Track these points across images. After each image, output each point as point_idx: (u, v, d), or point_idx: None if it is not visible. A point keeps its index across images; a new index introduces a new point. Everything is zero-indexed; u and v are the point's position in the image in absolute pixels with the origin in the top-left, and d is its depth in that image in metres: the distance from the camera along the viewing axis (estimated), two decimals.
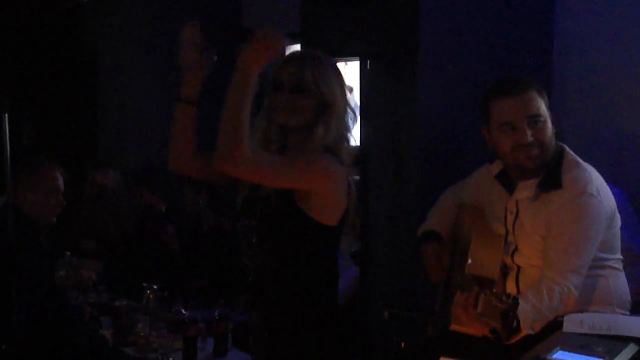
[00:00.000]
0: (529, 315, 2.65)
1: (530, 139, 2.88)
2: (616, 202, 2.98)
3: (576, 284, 2.77)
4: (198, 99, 2.80)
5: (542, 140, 2.89)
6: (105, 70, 6.14)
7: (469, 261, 2.90)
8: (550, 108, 2.95)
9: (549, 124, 2.91)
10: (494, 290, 2.67)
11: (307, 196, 2.69)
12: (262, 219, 2.76)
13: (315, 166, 2.67)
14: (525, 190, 2.97)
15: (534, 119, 2.88)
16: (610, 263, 2.97)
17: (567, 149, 3.00)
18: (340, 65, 5.00)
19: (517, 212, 3.00)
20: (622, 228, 3.03)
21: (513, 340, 2.70)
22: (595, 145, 3.87)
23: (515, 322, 2.58)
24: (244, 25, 2.62)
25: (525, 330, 2.67)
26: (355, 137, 4.41)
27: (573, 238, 2.81)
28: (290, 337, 2.77)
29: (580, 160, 2.97)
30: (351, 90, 5.08)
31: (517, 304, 2.55)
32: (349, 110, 2.80)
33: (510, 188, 3.04)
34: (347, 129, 2.79)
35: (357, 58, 3.81)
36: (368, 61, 3.83)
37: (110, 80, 6.13)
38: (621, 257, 3.02)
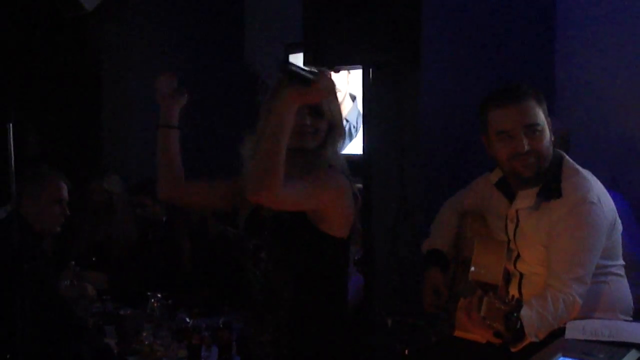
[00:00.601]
0: (534, 322, 2.65)
1: (526, 147, 2.88)
2: (617, 208, 2.99)
3: (581, 293, 2.77)
4: (179, 124, 2.86)
5: (539, 149, 2.89)
6: (109, 80, 6.16)
7: (472, 268, 2.91)
8: (554, 114, 2.95)
9: (547, 133, 2.92)
10: (498, 294, 2.68)
11: (319, 211, 2.72)
12: (274, 237, 2.78)
13: (330, 186, 2.75)
14: (526, 199, 2.97)
15: (531, 128, 2.88)
16: (612, 270, 2.98)
17: (566, 156, 3.01)
18: (344, 74, 5.03)
19: (518, 221, 3.00)
20: (623, 234, 3.03)
21: (518, 348, 2.70)
22: (596, 149, 3.88)
23: (519, 323, 2.58)
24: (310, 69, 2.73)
25: (530, 338, 2.67)
26: (358, 146, 4.44)
27: (576, 247, 2.81)
28: (305, 353, 2.79)
29: (580, 168, 2.97)
30: (354, 98, 5.12)
31: (521, 305, 2.55)
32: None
33: (510, 196, 3.05)
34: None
35: (360, 67, 3.82)
36: (371, 70, 3.84)
37: (114, 89, 6.15)
38: (623, 263, 3.02)
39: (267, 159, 2.55)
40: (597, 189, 2.91)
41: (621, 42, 3.86)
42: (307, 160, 2.81)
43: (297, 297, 2.79)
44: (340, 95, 5.08)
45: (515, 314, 2.57)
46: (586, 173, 2.96)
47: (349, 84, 5.06)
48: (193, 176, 2.90)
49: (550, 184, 2.92)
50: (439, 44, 3.83)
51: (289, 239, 2.78)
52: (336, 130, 2.83)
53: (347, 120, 5.12)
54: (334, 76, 5.04)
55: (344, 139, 2.89)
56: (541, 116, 2.90)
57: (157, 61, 6.07)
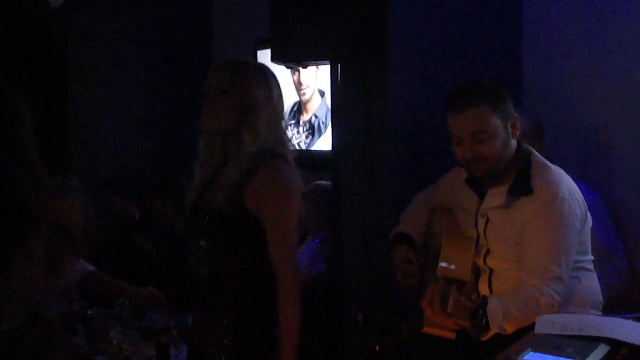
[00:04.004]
0: (498, 315, 2.66)
1: (471, 155, 2.90)
2: (587, 200, 3.00)
3: (559, 291, 2.78)
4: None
5: (486, 156, 2.89)
6: (75, 76, 6.10)
7: (441, 263, 2.91)
8: (522, 106, 2.95)
9: (500, 137, 2.90)
10: (465, 291, 2.68)
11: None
12: (213, 224, 2.80)
13: (289, 194, 2.79)
14: (496, 197, 2.97)
15: (477, 136, 2.88)
16: (583, 264, 2.99)
17: (535, 152, 3.00)
18: (312, 69, 5.02)
19: (488, 217, 3.00)
20: (595, 226, 3.04)
21: (483, 339, 2.70)
22: (565, 141, 3.89)
23: (484, 320, 2.59)
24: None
25: (494, 329, 2.67)
26: (327, 142, 4.43)
27: (552, 245, 2.82)
28: (255, 339, 2.79)
29: (548, 163, 2.98)
30: (323, 94, 5.11)
31: (486, 302, 2.56)
32: (278, 111, 2.88)
33: (479, 192, 3.05)
34: (283, 131, 2.90)
35: (328, 62, 3.81)
36: (339, 65, 3.82)
37: (80, 86, 6.09)
38: (592, 257, 3.03)
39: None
40: (568, 184, 2.91)
41: (589, 33, 3.88)
42: (231, 148, 2.86)
43: (240, 281, 2.81)
44: (309, 92, 5.09)
45: (481, 311, 2.58)
46: (555, 168, 2.97)
47: (317, 80, 5.05)
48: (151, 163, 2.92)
49: (519, 181, 2.92)
50: (407, 39, 3.82)
51: (226, 227, 2.79)
52: (252, 111, 2.82)
53: (316, 116, 5.11)
54: (303, 72, 5.05)
55: (274, 121, 2.86)
56: (493, 122, 2.88)
57: (124, 56, 6.02)
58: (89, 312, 4.28)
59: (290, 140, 2.94)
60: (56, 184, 4.28)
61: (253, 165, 2.79)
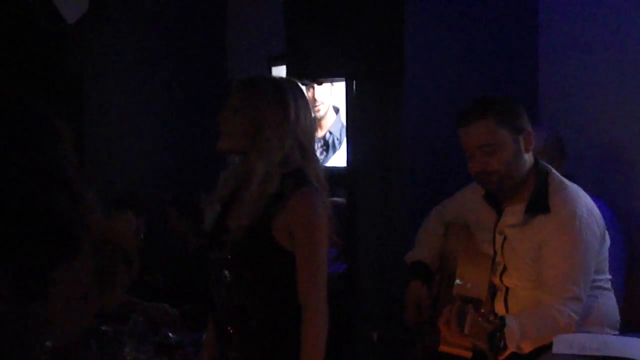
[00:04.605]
0: (516, 334, 2.64)
1: (480, 168, 2.89)
2: (606, 221, 2.98)
3: (577, 311, 2.77)
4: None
5: (496, 169, 2.88)
6: (91, 93, 6.12)
7: (457, 281, 2.89)
8: (538, 122, 2.92)
9: (510, 150, 2.89)
10: (482, 310, 2.66)
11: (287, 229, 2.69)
12: (236, 253, 2.73)
13: (321, 226, 2.70)
14: (513, 215, 2.95)
15: (484, 149, 2.88)
16: (600, 283, 2.96)
17: (552, 170, 2.98)
18: (327, 86, 5.01)
19: (505, 235, 2.98)
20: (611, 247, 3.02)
21: (503, 357, 2.68)
22: (581, 156, 3.86)
23: (502, 342, 2.57)
24: None
25: (512, 348, 2.65)
26: (341, 158, 4.41)
27: (570, 265, 2.80)
28: None
29: (566, 181, 2.95)
30: (337, 110, 5.10)
31: (504, 324, 2.53)
32: (298, 129, 2.74)
33: (497, 208, 3.03)
34: (304, 149, 2.75)
35: (343, 79, 3.81)
36: (354, 82, 3.82)
37: (96, 103, 6.11)
38: (610, 276, 3.00)
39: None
40: (586, 203, 2.89)
41: (606, 47, 3.85)
42: (251, 168, 2.75)
43: (264, 313, 2.72)
44: (323, 108, 5.08)
45: (498, 333, 2.56)
46: (573, 186, 2.95)
47: (331, 96, 5.05)
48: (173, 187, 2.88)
49: (537, 200, 2.90)
50: (422, 55, 3.81)
51: (252, 259, 2.71)
52: (261, 129, 2.71)
53: (330, 133, 5.10)
54: (317, 88, 5.05)
55: (290, 139, 2.71)
56: (500, 134, 2.88)
57: (139, 74, 6.03)
58: (103, 327, 4.27)
59: (316, 155, 2.83)
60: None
61: (279, 192, 2.69)
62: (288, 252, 2.69)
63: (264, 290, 2.72)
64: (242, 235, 2.70)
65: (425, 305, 3.11)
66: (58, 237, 1.91)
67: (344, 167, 4.25)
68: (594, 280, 2.90)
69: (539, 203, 2.89)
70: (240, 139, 2.74)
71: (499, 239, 2.99)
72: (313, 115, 2.85)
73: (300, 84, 2.89)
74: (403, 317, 3.39)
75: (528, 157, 2.94)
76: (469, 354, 2.83)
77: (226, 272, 2.74)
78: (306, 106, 2.80)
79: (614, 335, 2.92)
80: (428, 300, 3.11)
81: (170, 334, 4.03)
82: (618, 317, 3.02)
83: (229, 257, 2.73)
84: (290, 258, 2.69)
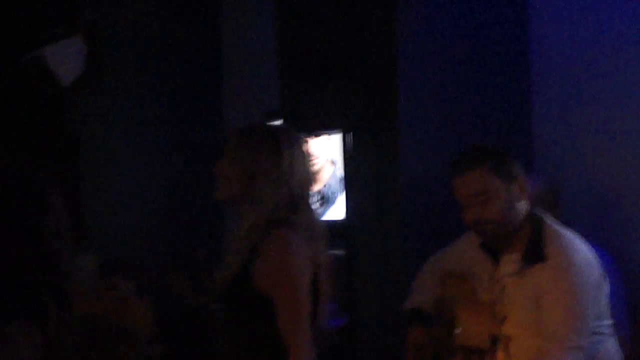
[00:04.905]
0: None
1: (474, 217, 2.89)
2: (605, 268, 2.97)
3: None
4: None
5: (490, 218, 2.88)
6: (87, 156, 6.13)
7: (458, 330, 2.87)
8: (533, 169, 2.93)
9: (503, 199, 2.89)
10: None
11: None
12: (224, 304, 2.74)
13: (297, 264, 2.65)
14: (510, 264, 2.94)
15: (478, 198, 2.88)
16: (601, 329, 2.93)
17: (547, 218, 2.99)
18: (322, 139, 5.03)
19: (503, 284, 2.97)
20: (611, 294, 3.01)
21: None
22: (578, 202, 3.87)
23: None
24: None
25: None
26: (338, 211, 4.41)
27: (569, 315, 2.78)
28: None
29: (562, 229, 2.95)
30: (333, 163, 5.11)
31: None
32: (290, 177, 2.71)
33: (494, 256, 3.02)
34: (297, 200, 2.72)
35: (339, 131, 3.83)
36: (351, 134, 3.85)
37: (92, 165, 6.12)
38: (610, 321, 2.99)
39: None
40: (582, 250, 2.89)
41: (600, 92, 3.88)
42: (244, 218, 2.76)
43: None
44: (319, 162, 5.09)
45: None
46: (569, 234, 2.94)
47: (327, 150, 5.07)
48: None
49: (533, 248, 2.90)
50: (417, 107, 3.85)
51: (237, 309, 2.71)
52: (254, 177, 2.70)
53: (327, 186, 5.10)
54: (313, 142, 5.07)
55: (284, 188, 2.69)
56: (493, 182, 2.88)
57: (136, 134, 6.05)
58: None
59: (309, 205, 2.78)
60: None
61: (259, 237, 2.67)
62: (268, 298, 2.65)
63: (251, 336, 2.71)
64: (225, 288, 2.70)
65: (426, 347, 3.07)
66: (15, 294, 1.93)
67: (342, 219, 4.24)
68: (595, 327, 2.88)
69: (535, 252, 2.88)
70: (236, 188, 2.73)
71: (497, 287, 2.98)
72: (309, 166, 2.83)
73: (298, 135, 2.89)
74: None
75: (523, 205, 2.94)
76: None
77: (218, 322, 2.76)
78: (303, 156, 2.78)
79: None
80: (430, 346, 3.08)
81: None
82: None
83: (220, 308, 2.75)
84: (270, 304, 2.65)
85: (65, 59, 5.63)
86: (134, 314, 2.28)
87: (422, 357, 3.08)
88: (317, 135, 4.02)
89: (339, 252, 4.42)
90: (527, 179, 2.98)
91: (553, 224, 2.96)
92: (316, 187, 5.18)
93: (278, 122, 3.99)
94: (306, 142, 5.03)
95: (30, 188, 2.06)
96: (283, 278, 2.64)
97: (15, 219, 2.00)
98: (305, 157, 2.81)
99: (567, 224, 3.05)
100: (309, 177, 2.83)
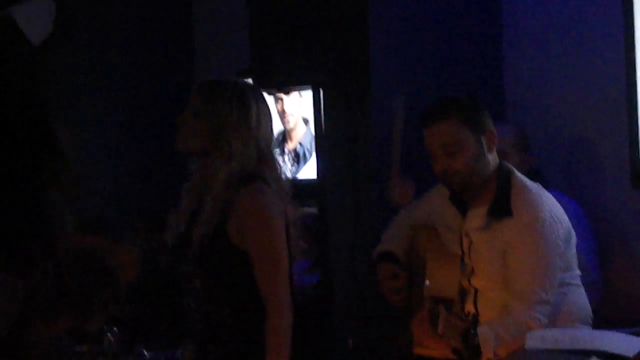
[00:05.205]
0: (490, 340, 2.65)
1: (442, 167, 2.90)
2: (573, 218, 2.99)
3: (545, 313, 2.78)
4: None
5: (457, 168, 2.89)
6: (56, 116, 6.08)
7: (427, 283, 2.89)
8: (504, 119, 2.93)
9: (472, 150, 2.90)
10: (453, 310, 2.67)
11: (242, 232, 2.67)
12: (200, 262, 2.72)
13: (272, 218, 2.68)
14: (476, 218, 2.95)
15: (447, 148, 2.89)
16: (569, 280, 2.97)
17: (515, 172, 2.99)
18: (295, 98, 5.02)
19: (471, 238, 2.99)
20: (579, 246, 3.03)
21: None
22: (549, 153, 3.89)
23: (476, 340, 2.57)
24: None
25: (489, 355, 2.66)
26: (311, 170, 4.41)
27: (535, 269, 2.82)
28: None
29: (529, 183, 2.96)
30: (307, 122, 5.10)
31: (477, 321, 2.54)
32: (257, 132, 2.74)
33: (463, 210, 3.03)
34: (263, 154, 2.75)
35: (309, 87, 3.82)
36: (321, 90, 3.83)
37: (61, 125, 6.07)
38: (579, 273, 3.01)
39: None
40: (549, 204, 2.91)
41: (570, 44, 3.89)
42: (207, 171, 2.76)
43: (238, 324, 2.71)
44: (292, 120, 5.09)
45: (472, 331, 2.56)
46: (536, 188, 2.95)
47: (301, 108, 5.05)
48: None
49: (499, 202, 2.91)
50: (388, 62, 3.83)
51: (216, 266, 2.70)
52: (223, 131, 2.71)
53: (300, 144, 5.10)
54: (286, 100, 5.06)
55: (253, 143, 2.72)
56: (462, 133, 2.89)
57: (105, 90, 6.01)
58: (77, 349, 4.23)
59: (275, 160, 2.81)
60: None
61: (232, 192, 2.69)
62: (244, 252, 2.67)
63: (233, 296, 2.71)
64: (202, 245, 2.69)
65: (400, 279, 3.08)
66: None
67: (314, 179, 4.25)
68: (562, 278, 2.91)
69: (502, 206, 2.89)
70: (201, 141, 2.74)
71: (465, 241, 2.99)
72: (272, 122, 2.86)
73: (262, 90, 2.90)
74: (381, 322, 3.40)
75: (491, 158, 2.95)
76: (442, 355, 2.83)
77: (197, 282, 2.73)
78: (267, 112, 2.81)
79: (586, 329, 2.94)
80: (403, 278, 3.09)
81: (145, 352, 3.99)
82: (590, 312, 3.03)
83: (196, 267, 2.72)
84: (249, 258, 2.68)
85: (34, 19, 5.55)
86: (124, 257, 2.27)
87: (397, 285, 3.09)
88: (287, 92, 4.00)
89: (311, 209, 4.43)
90: (495, 132, 2.98)
91: (521, 178, 2.97)
92: (290, 146, 5.19)
93: (249, 80, 3.96)
94: (279, 101, 5.06)
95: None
96: (261, 231, 2.67)
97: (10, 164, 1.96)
98: (270, 113, 2.84)
99: (537, 174, 3.06)
100: (273, 133, 2.88)
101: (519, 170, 3.01)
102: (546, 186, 3.08)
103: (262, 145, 2.75)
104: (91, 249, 2.14)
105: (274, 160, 2.81)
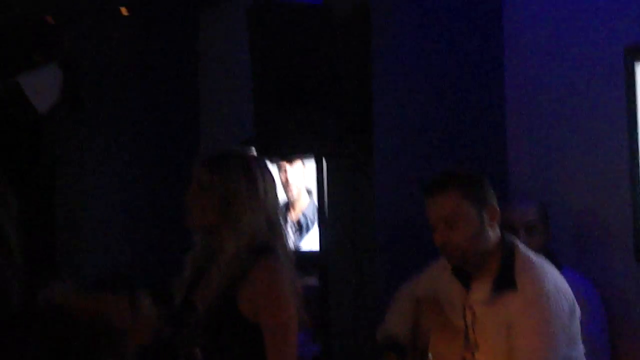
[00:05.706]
0: None
1: (442, 240, 2.89)
2: (586, 296, 2.98)
3: None
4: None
5: (457, 242, 2.87)
6: (63, 185, 6.09)
7: (430, 357, 2.85)
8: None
9: (473, 224, 2.89)
10: None
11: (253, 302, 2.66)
12: (204, 330, 2.71)
13: (285, 294, 2.69)
14: (481, 292, 2.93)
15: (448, 221, 2.88)
16: (573, 356, 2.93)
17: (519, 245, 2.97)
18: (299, 168, 5.03)
19: (475, 312, 2.95)
20: (592, 327, 3.00)
21: None
22: (560, 229, 3.84)
23: None
24: None
25: None
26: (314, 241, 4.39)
27: (541, 344, 2.78)
28: None
29: (533, 256, 2.94)
30: (310, 193, 5.10)
31: None
32: (266, 203, 2.76)
33: (466, 282, 3.00)
34: (272, 224, 2.77)
35: (312, 156, 3.82)
36: (324, 160, 3.83)
37: (68, 194, 6.08)
38: (583, 349, 2.97)
39: None
40: (553, 277, 2.89)
41: (577, 114, 3.88)
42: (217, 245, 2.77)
43: None
44: (296, 190, 5.09)
45: None
46: (540, 261, 2.94)
47: (304, 179, 5.06)
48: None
49: (503, 276, 2.89)
50: (392, 134, 3.84)
51: (221, 335, 2.70)
52: (232, 205, 2.73)
53: (304, 215, 5.09)
54: (290, 170, 5.07)
55: (260, 216, 2.74)
56: (464, 207, 2.88)
57: (112, 159, 6.03)
58: None
59: (283, 229, 2.83)
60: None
61: (244, 265, 2.69)
62: (254, 324, 2.65)
63: None
64: (209, 314, 2.67)
65: None
66: None
67: (317, 251, 4.23)
68: (567, 354, 2.87)
69: (506, 280, 2.87)
70: (210, 215, 2.74)
71: (469, 314, 2.96)
72: (278, 191, 2.88)
73: (266, 161, 2.92)
74: None
75: (493, 232, 2.93)
76: None
77: (197, 350, 2.71)
78: (273, 182, 2.84)
79: None
80: None
81: None
82: None
83: (198, 335, 2.70)
84: (257, 330, 2.66)
85: (42, 87, 5.60)
86: (141, 321, 2.24)
87: None
88: (290, 161, 4.01)
89: (312, 280, 4.41)
90: (497, 207, 2.96)
91: (524, 251, 2.95)
92: (293, 216, 5.18)
93: (251, 148, 3.97)
94: (282, 171, 5.07)
95: None
96: (276, 307, 2.68)
97: None
98: (274, 182, 2.86)
99: (550, 252, 3.04)
100: (279, 202, 2.90)
101: (538, 245, 3.00)
102: (559, 263, 3.07)
103: (271, 215, 2.78)
104: (97, 312, 2.09)
105: (282, 230, 2.82)
